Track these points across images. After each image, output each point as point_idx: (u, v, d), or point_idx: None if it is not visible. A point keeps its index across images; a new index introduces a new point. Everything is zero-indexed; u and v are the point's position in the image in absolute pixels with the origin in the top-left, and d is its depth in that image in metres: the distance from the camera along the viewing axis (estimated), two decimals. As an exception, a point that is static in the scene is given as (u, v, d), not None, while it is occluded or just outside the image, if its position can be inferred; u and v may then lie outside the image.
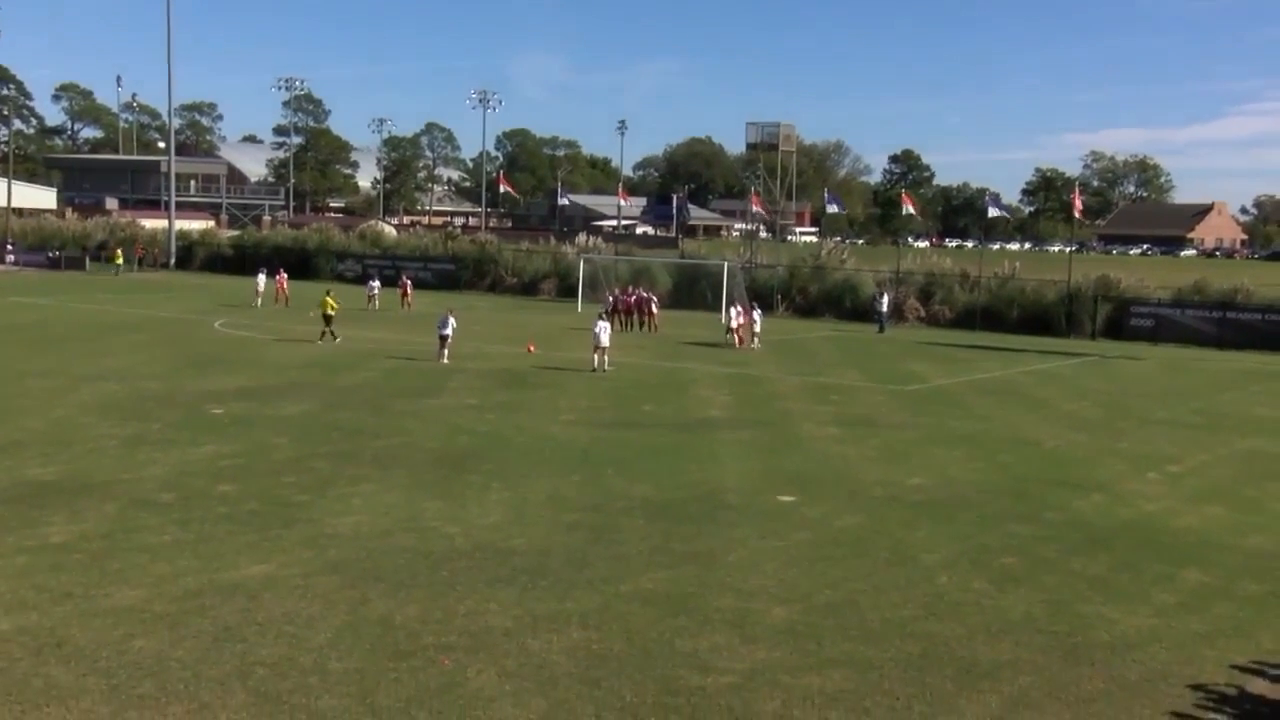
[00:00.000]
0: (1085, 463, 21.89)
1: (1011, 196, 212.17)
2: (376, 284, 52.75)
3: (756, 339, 39.93)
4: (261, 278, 52.72)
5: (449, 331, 33.31)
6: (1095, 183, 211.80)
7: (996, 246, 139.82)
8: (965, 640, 12.04)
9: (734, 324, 40.93)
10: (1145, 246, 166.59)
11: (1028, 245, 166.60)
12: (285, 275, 53.31)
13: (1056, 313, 51.01)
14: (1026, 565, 14.85)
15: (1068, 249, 79.06)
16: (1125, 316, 49.86)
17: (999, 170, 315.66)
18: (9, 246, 77.88)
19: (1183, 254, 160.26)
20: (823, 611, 12.74)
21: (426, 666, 10.76)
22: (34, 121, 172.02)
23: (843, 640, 11.90)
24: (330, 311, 36.85)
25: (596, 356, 32.10)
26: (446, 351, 33.11)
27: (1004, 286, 53.84)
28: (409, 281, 53.57)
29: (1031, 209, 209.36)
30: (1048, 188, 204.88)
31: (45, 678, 10.21)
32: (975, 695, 10.69)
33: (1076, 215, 66.52)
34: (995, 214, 74.67)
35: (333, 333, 36.66)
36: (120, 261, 72.08)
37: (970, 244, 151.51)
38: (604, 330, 32.46)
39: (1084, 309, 50.54)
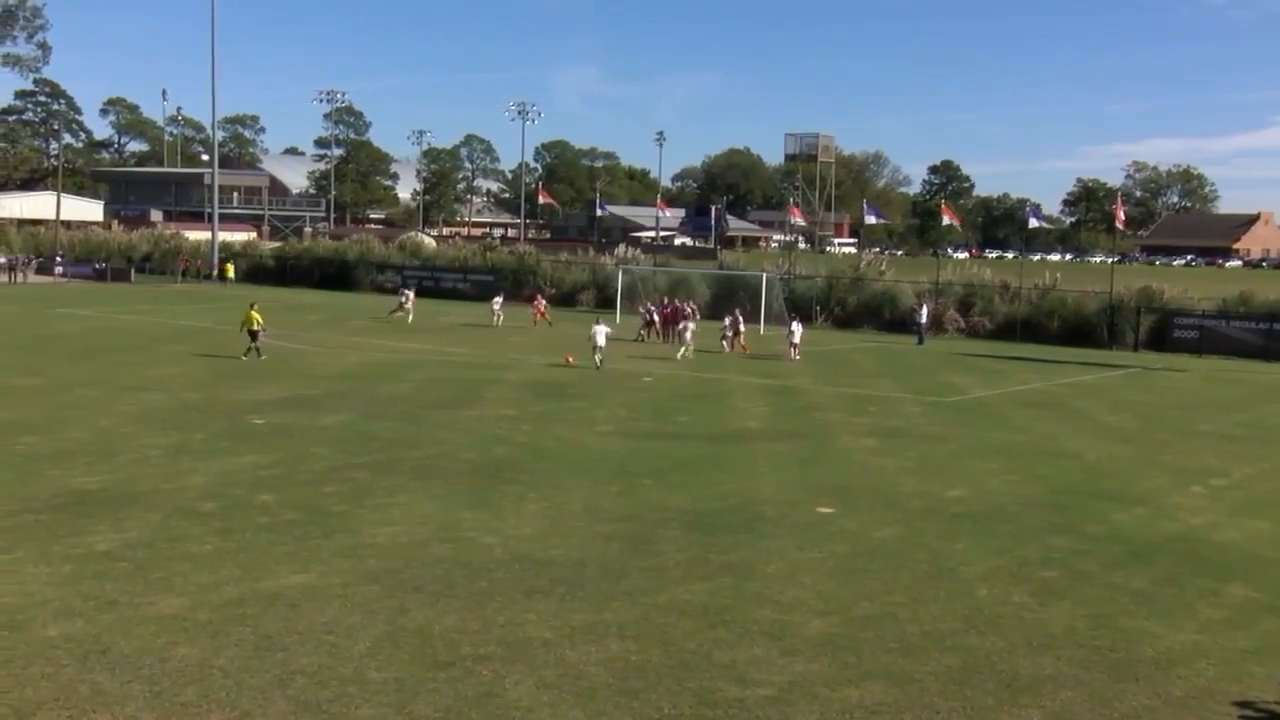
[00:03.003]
0: (1127, 475, 21.66)
1: (1052, 207, 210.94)
2: (410, 293, 52.98)
3: (796, 350, 39.83)
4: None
5: (602, 342, 35.25)
6: (1138, 193, 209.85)
7: (1037, 257, 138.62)
8: (1006, 654, 11.94)
9: (728, 332, 41.63)
10: (1189, 257, 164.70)
11: (1069, 256, 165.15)
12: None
13: (1098, 324, 50.58)
14: (1067, 578, 14.70)
15: (1110, 260, 78.29)
16: (1169, 328, 49.34)
17: (1039, 181, 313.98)
18: (58, 258, 79.01)
19: (1228, 265, 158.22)
20: (861, 624, 12.68)
21: (465, 677, 10.79)
22: (83, 136, 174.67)
23: (881, 653, 11.83)
24: (255, 327, 34.54)
25: (596, 355, 34.81)
26: (598, 357, 34.95)
27: (1044, 298, 53.45)
28: (544, 300, 52.10)
29: (1073, 220, 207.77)
30: (1089, 198, 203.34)
31: (91, 684, 10.33)
32: (1017, 710, 10.60)
33: (1119, 226, 65.84)
34: (1036, 225, 74.12)
35: (257, 349, 34.40)
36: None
37: (1010, 255, 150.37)
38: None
39: (1126, 320, 50.06)
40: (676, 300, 48.06)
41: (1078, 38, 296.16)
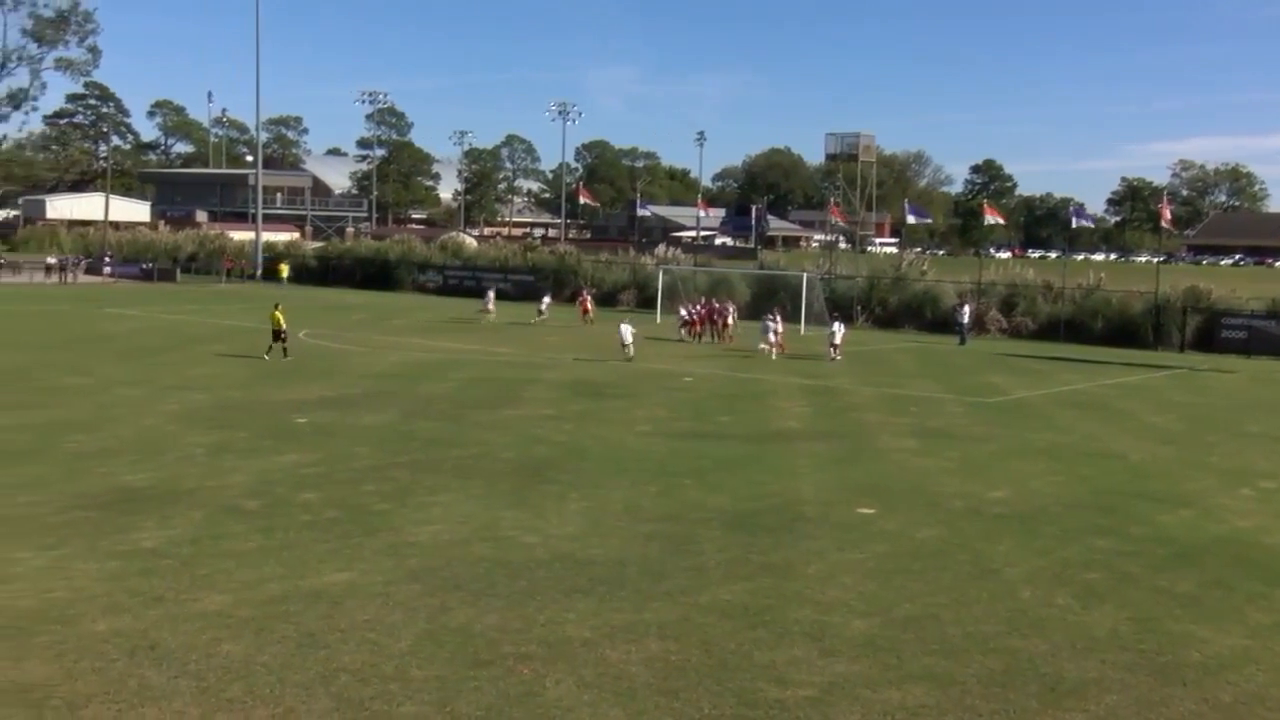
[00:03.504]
0: (1172, 477, 21.40)
1: (1096, 207, 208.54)
2: (491, 294, 53.33)
3: (837, 350, 39.66)
4: (546, 300, 52.66)
5: (629, 339, 37.32)
6: (1184, 192, 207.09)
7: (1080, 257, 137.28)
8: (1049, 657, 11.83)
9: (770, 337, 41.36)
10: (1237, 257, 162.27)
11: (1113, 256, 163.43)
12: (588, 295, 53.38)
13: (1143, 324, 50.01)
14: (1111, 581, 14.55)
15: (1155, 259, 77.47)
16: (1216, 328, 48.69)
17: (1083, 180, 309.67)
18: (106, 258, 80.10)
19: (1277, 264, 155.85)
20: (902, 625, 12.61)
21: (506, 675, 10.83)
22: (130, 138, 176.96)
23: (923, 654, 11.76)
24: (279, 327, 34.41)
25: (628, 350, 36.99)
26: (628, 352, 36.96)
27: (1088, 298, 52.93)
28: (588, 296, 53.35)
29: (1117, 219, 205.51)
30: (1134, 197, 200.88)
31: (139, 679, 10.47)
32: (1060, 713, 10.50)
33: (1165, 225, 65.07)
34: (1079, 224, 73.39)
35: (284, 349, 34.27)
36: (286, 276, 72.79)
37: (1053, 255, 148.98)
38: (627, 331, 37.47)
39: (1172, 320, 49.45)
40: (714, 301, 47.97)
41: (1121, 35, 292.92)
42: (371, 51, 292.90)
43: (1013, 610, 13.26)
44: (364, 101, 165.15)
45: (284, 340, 34.52)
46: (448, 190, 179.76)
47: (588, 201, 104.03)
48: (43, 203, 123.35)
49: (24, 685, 10.26)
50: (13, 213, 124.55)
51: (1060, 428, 26.77)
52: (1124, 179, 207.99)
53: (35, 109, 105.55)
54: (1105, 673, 11.47)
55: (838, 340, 39.54)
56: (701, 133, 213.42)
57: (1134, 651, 12.07)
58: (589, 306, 51.54)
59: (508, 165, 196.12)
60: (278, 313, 34.69)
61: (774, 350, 40.39)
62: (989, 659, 11.70)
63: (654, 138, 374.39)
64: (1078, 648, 12.12)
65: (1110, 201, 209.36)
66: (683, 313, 47.05)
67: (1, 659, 10.80)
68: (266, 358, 33.85)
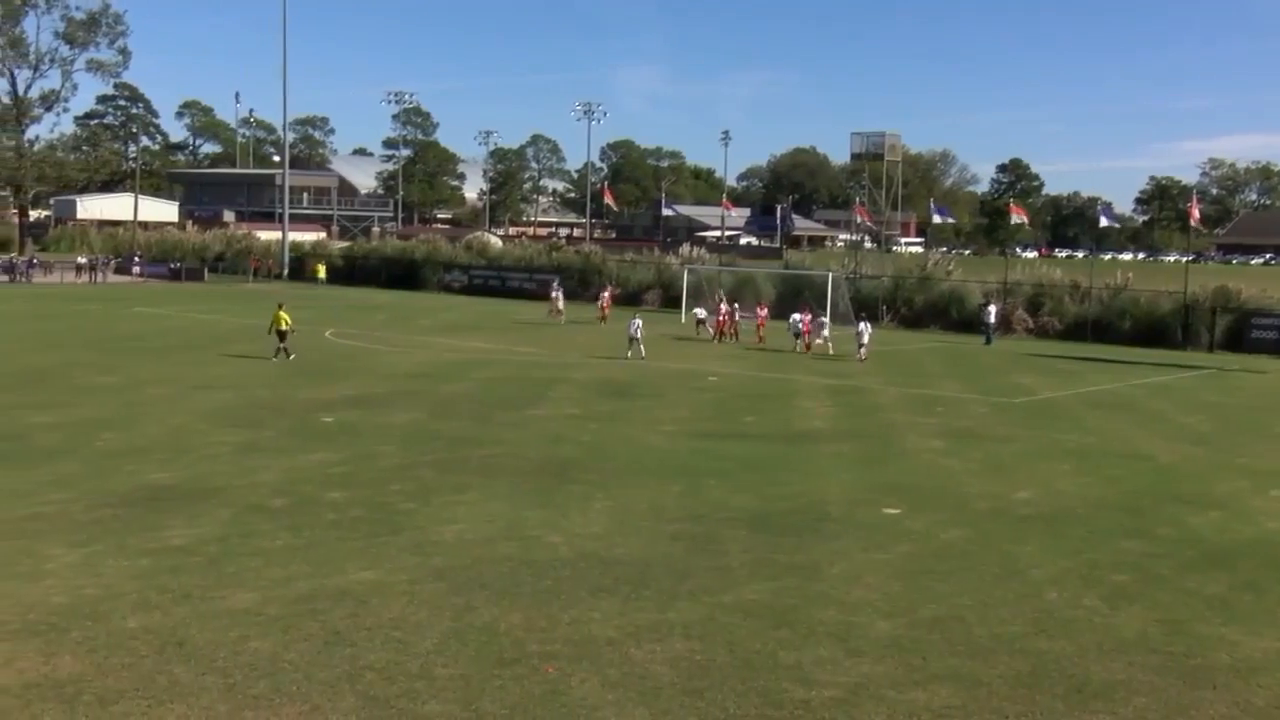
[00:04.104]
0: (1202, 478, 21.23)
1: (1124, 206, 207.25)
2: (559, 292, 53.50)
3: (863, 350, 39.56)
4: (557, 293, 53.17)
5: (637, 334, 37.44)
6: (1214, 191, 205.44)
7: (1108, 257, 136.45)
8: (1076, 658, 11.77)
9: (807, 330, 41.85)
10: (1268, 256, 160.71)
11: (1141, 255, 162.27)
12: (608, 294, 53.49)
13: (1172, 324, 49.60)
14: (1140, 583, 14.46)
15: (1184, 259, 76.82)
16: (1246, 328, 48.22)
17: (1111, 179, 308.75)
18: (136, 258, 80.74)
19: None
20: (928, 626, 12.56)
21: (530, 674, 10.86)
22: (159, 138, 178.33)
23: (949, 656, 11.72)
24: (284, 327, 33.98)
25: (631, 349, 37.00)
26: (639, 349, 37.02)
27: (1116, 297, 52.55)
28: (609, 295, 53.32)
29: (1145, 218, 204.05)
30: (1162, 196, 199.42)
31: (169, 675, 10.56)
32: (1088, 715, 10.44)
33: (1194, 224, 64.53)
34: (1107, 224, 72.94)
35: (285, 350, 33.76)
36: (322, 276, 72.90)
37: (1080, 254, 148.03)
38: (634, 326, 37.64)
39: (1201, 320, 49.04)
40: (736, 306, 47.80)
41: (1150, 33, 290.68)
42: (398, 52, 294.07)
43: (1039, 611, 13.19)
44: (390, 102, 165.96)
45: (285, 340, 33.93)
46: (473, 190, 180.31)
47: (610, 203, 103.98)
48: (73, 203, 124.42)
49: (57, 680, 10.37)
50: (44, 213, 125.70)
51: (1088, 428, 26.61)
52: (1152, 178, 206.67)
53: (66, 110, 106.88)
54: (1133, 675, 11.40)
55: (865, 340, 39.36)
56: (726, 132, 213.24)
57: (1163, 654, 11.99)
58: (607, 306, 51.63)
59: (533, 165, 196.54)
60: (282, 312, 34.23)
61: (817, 345, 40.58)
62: (1015, 660, 11.65)
63: (679, 137, 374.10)
64: (1105, 649, 12.04)
65: (1138, 201, 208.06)
66: (699, 312, 47.21)
67: (35, 654, 10.92)
68: (274, 360, 33.30)
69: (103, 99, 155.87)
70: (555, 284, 55.69)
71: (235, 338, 40.44)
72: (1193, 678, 11.39)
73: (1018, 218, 69.43)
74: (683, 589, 13.53)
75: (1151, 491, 19.90)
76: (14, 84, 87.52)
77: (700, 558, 14.86)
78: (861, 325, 40.31)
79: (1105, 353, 45.22)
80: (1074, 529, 17.07)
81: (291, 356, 33.71)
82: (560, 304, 52.90)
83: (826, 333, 42.20)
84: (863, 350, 39.32)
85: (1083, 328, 51.22)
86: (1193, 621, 13.04)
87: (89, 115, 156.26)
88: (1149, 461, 22.80)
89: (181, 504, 16.68)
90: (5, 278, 69.93)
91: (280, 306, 34.69)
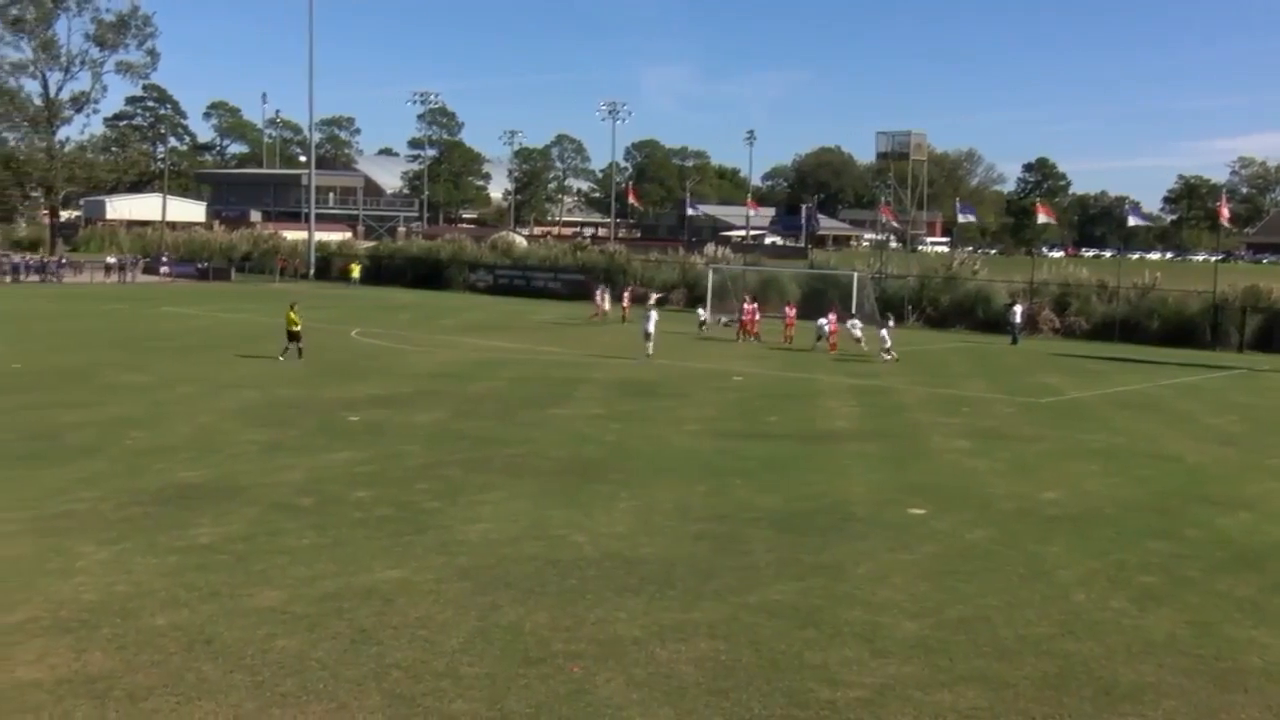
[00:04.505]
0: (1231, 479, 21.05)
1: (1152, 205, 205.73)
2: (604, 293, 53.65)
3: (888, 351, 39.44)
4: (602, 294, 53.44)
5: (651, 328, 37.17)
6: (1244, 189, 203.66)
7: (1136, 256, 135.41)
8: (1104, 660, 11.69)
9: (833, 331, 41.59)
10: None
11: (1169, 255, 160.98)
12: (629, 294, 53.86)
13: (1201, 324, 49.25)
14: (1168, 584, 14.35)
15: (1213, 258, 76.21)
16: (1277, 328, 47.83)
17: (1139, 178, 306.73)
18: (164, 258, 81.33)
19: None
20: (954, 626, 12.52)
21: (556, 674, 10.88)
22: (187, 139, 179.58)
23: (975, 657, 11.67)
24: (294, 328, 33.86)
25: (648, 345, 36.65)
26: (650, 346, 36.80)
27: (1144, 297, 52.22)
28: (630, 294, 53.64)
29: (1174, 217, 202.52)
30: (1191, 195, 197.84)
31: (197, 672, 10.64)
32: (1116, 718, 10.37)
33: (1223, 223, 64.03)
34: (1135, 223, 72.42)
35: (299, 349, 33.61)
36: (356, 276, 72.76)
37: (1108, 254, 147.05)
38: (650, 319, 37.42)
39: (1231, 320, 48.65)
40: (758, 303, 47.85)
41: (1178, 30, 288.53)
42: (423, 52, 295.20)
43: (1066, 613, 13.12)
44: (415, 102, 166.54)
45: (298, 341, 33.82)
46: (498, 190, 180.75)
47: (635, 203, 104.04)
48: (103, 203, 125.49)
49: (88, 676, 10.47)
50: (74, 214, 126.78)
51: (1115, 429, 26.44)
52: (1181, 176, 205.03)
53: (96, 111, 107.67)
54: (1162, 677, 11.32)
55: (889, 343, 39.17)
56: (751, 132, 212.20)
57: (1192, 656, 11.90)
58: (626, 305, 51.78)
59: (558, 165, 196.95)
60: (293, 313, 34.01)
61: (853, 345, 40.59)
62: (1042, 662, 11.59)
63: (704, 137, 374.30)
64: (1134, 652, 11.96)
65: (1167, 200, 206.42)
66: (701, 313, 47.31)
67: (67, 650, 11.02)
68: (281, 359, 33.25)
69: (132, 100, 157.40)
70: (601, 288, 55.63)
71: (261, 337, 40.64)
72: (1223, 681, 11.30)
73: (1044, 217, 69.05)
74: (708, 589, 13.52)
75: (1180, 492, 19.76)
76: (45, 86, 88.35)
77: (725, 557, 14.85)
78: (883, 331, 40.07)
79: (1133, 353, 44.92)
80: (1101, 530, 16.97)
81: (300, 356, 33.44)
82: (606, 305, 52.72)
83: (859, 332, 42.02)
84: (887, 351, 39.15)
85: (1110, 328, 50.89)
86: (1223, 624, 12.93)
87: (118, 116, 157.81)
88: (1177, 462, 22.64)
89: (209, 502, 16.80)
90: (36, 277, 70.62)
91: (291, 307, 34.54)
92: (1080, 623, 12.78)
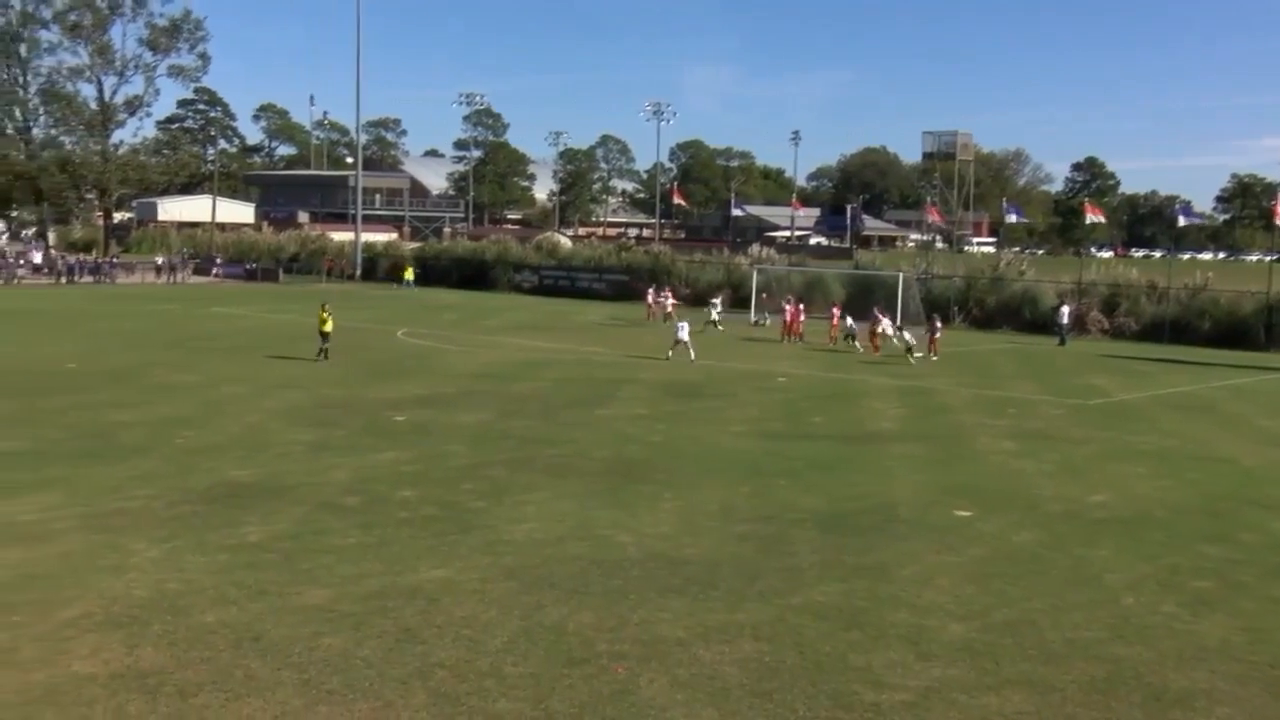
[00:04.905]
0: (1285, 483, 20.71)
1: (1205, 204, 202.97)
2: (667, 293, 53.49)
3: (933, 349, 39.16)
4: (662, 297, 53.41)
5: (685, 336, 37.04)
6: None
7: (1187, 256, 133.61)
8: (1155, 665, 11.55)
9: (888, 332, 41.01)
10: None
11: (1221, 255, 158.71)
12: (670, 293, 53.72)
13: (1254, 325, 48.48)
14: (1221, 589, 14.15)
15: (1267, 258, 75.03)
16: (1333, 328, 47.00)
17: (1190, 177, 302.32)
18: (217, 260, 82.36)
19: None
20: (1000, 630, 12.41)
21: (600, 674, 10.90)
22: (236, 141, 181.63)
23: (1022, 660, 11.56)
24: (327, 329, 33.81)
25: (674, 350, 36.62)
26: (682, 351, 36.53)
27: (1195, 297, 51.48)
28: (666, 294, 53.42)
29: (1227, 217, 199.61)
30: (1245, 194, 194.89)
31: (245, 669, 10.76)
32: (1164, 724, 10.24)
33: (1278, 222, 62.90)
34: (1186, 223, 71.44)
35: (325, 351, 33.54)
36: (410, 277, 72.24)
37: (1158, 254, 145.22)
38: (683, 328, 37.36)
39: (1285, 320, 47.86)
40: (803, 304, 47.69)
41: (1231, 25, 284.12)
42: (469, 53, 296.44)
43: (1115, 617, 12.97)
44: (461, 103, 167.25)
45: (327, 341, 33.69)
46: (543, 190, 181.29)
47: (680, 203, 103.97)
48: (154, 205, 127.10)
49: (140, 671, 10.62)
50: (127, 215, 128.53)
51: (1165, 431, 26.10)
52: (1234, 175, 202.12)
53: (149, 115, 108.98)
54: (1215, 684, 11.16)
55: (911, 340, 38.77)
56: (796, 132, 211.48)
57: (1246, 663, 11.72)
58: (672, 306, 51.60)
59: (602, 165, 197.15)
60: (325, 313, 33.94)
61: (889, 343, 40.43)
62: (1090, 666, 11.47)
63: (749, 137, 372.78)
64: (1185, 657, 11.81)
65: (1219, 199, 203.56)
66: (713, 313, 47.07)
67: (119, 646, 11.19)
68: (319, 361, 33.09)
69: (183, 103, 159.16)
70: (654, 288, 55.47)
71: (307, 338, 40.87)
72: (1278, 688, 11.12)
73: (1093, 217, 68.30)
74: (752, 590, 13.50)
75: (1233, 495, 19.47)
76: (101, 90, 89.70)
77: (769, 558, 14.82)
78: (906, 334, 39.74)
79: (1183, 354, 44.33)
80: (1152, 533, 16.76)
81: (326, 358, 33.28)
82: (668, 305, 52.57)
83: (889, 329, 41.69)
84: (933, 350, 38.86)
85: (1160, 328, 50.24)
86: (1277, 630, 12.73)
87: (170, 119, 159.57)
88: (1230, 465, 22.31)
89: (257, 501, 16.98)
90: (91, 278, 71.75)
91: (324, 307, 34.46)
92: (1130, 627, 12.64)
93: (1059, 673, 11.27)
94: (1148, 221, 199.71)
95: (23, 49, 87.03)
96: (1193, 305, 51.00)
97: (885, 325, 41.95)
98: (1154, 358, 42.67)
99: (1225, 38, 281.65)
